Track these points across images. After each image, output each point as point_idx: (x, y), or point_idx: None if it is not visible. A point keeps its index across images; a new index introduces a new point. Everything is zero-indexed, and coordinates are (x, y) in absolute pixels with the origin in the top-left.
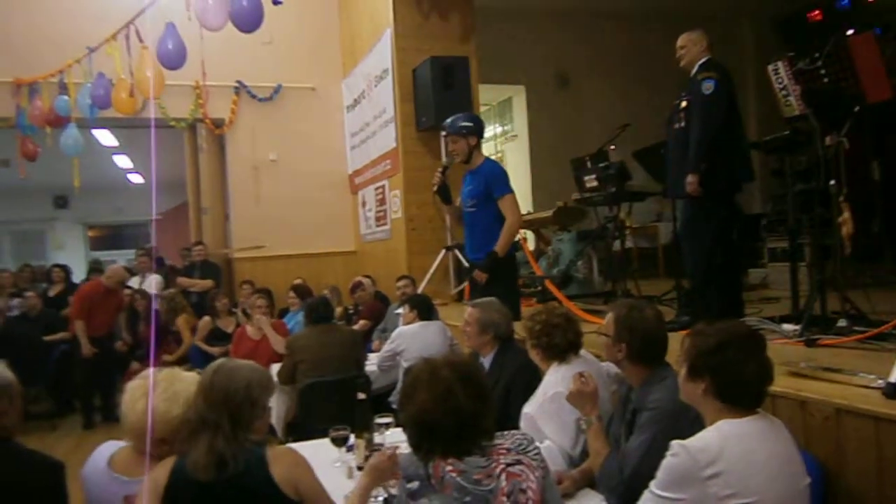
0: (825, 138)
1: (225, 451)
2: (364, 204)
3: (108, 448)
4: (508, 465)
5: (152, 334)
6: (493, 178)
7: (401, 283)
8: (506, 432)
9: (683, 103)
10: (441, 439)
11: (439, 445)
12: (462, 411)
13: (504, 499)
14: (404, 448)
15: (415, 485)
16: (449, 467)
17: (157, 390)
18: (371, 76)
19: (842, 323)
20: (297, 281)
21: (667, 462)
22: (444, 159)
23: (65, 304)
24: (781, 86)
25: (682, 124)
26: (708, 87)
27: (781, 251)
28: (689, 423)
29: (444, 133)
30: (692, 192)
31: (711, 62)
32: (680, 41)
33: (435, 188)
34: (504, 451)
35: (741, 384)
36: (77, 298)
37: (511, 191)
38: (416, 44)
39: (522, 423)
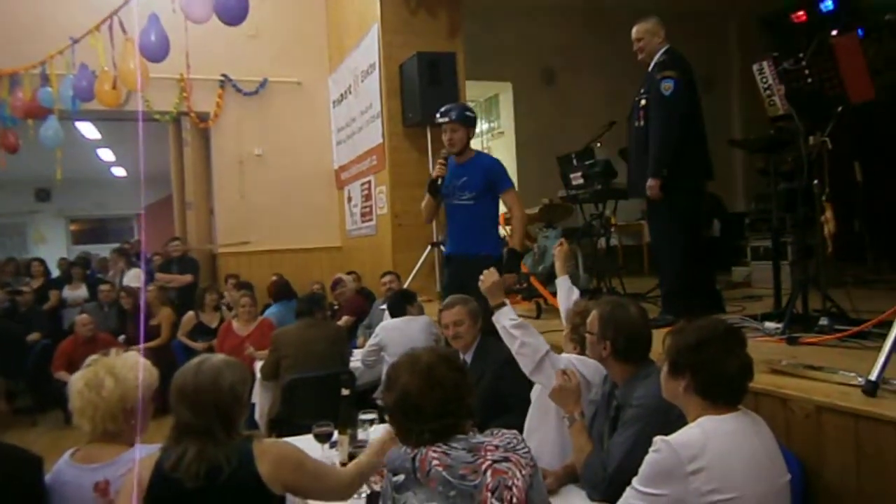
0: (808, 138)
1: (218, 456)
2: (350, 199)
3: (68, 453)
4: (495, 461)
5: (141, 320)
6: (497, 172)
7: (385, 279)
8: (495, 430)
9: (643, 101)
10: (428, 418)
11: (427, 426)
12: (446, 385)
13: (488, 494)
14: None
15: (400, 478)
16: (435, 461)
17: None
18: (358, 71)
19: (823, 321)
20: (274, 277)
21: (649, 458)
22: (443, 150)
23: (45, 298)
24: (766, 85)
25: (641, 123)
26: (667, 87)
27: (764, 250)
28: (673, 420)
29: (446, 120)
30: (653, 196)
31: (671, 55)
32: (635, 33)
33: (439, 180)
34: (492, 448)
35: (722, 380)
36: (57, 354)
37: (514, 185)
38: (403, 39)
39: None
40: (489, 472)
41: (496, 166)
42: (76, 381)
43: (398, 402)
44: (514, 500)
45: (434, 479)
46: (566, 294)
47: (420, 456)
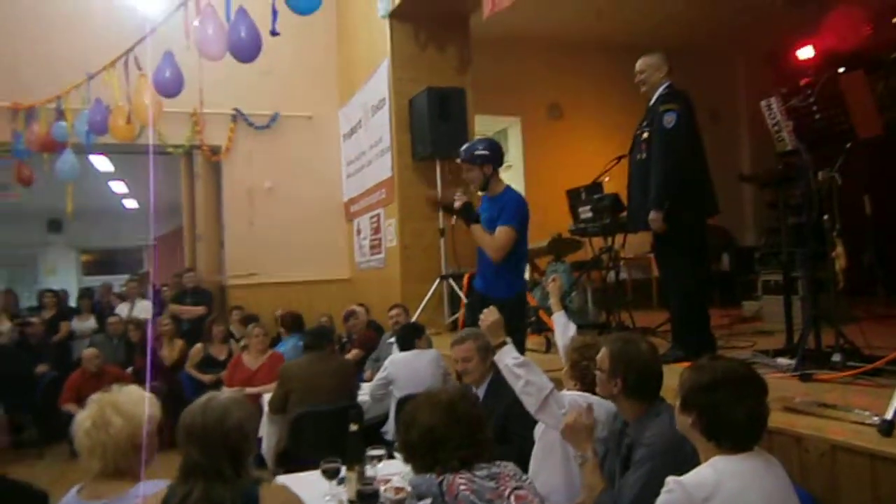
0: (818, 173)
1: (224, 498)
2: (359, 232)
3: (74, 489)
4: (515, 488)
5: (148, 354)
6: (507, 208)
7: (393, 313)
8: (499, 462)
9: (645, 134)
10: (454, 447)
11: (456, 453)
12: (468, 416)
13: None
14: (397, 480)
15: (426, 502)
16: (463, 486)
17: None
18: (368, 105)
19: (836, 358)
20: (279, 312)
21: (662, 499)
22: (455, 191)
23: (55, 329)
24: (774, 121)
25: (644, 156)
26: (669, 119)
27: (775, 284)
28: (685, 459)
29: (458, 160)
30: (657, 229)
31: (673, 90)
32: (639, 65)
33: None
34: (508, 477)
35: (727, 426)
36: (66, 387)
37: (516, 225)
38: (413, 74)
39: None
40: (513, 498)
41: (510, 203)
42: (82, 422)
43: (422, 439)
44: None
45: (462, 501)
46: (563, 330)
47: (447, 482)
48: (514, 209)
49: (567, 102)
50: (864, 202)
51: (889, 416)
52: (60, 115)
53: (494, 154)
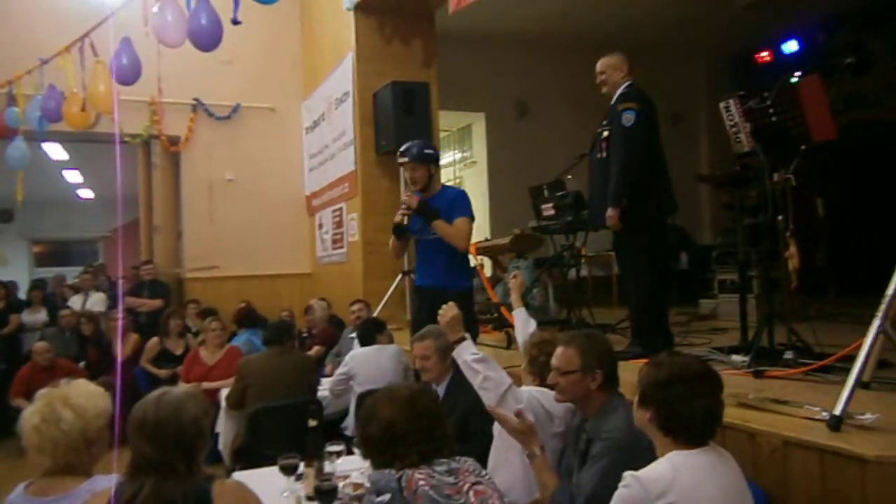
0: (773, 175)
1: (175, 495)
2: (321, 226)
3: (22, 485)
4: (474, 483)
5: (119, 346)
6: (458, 201)
7: (354, 308)
8: (459, 458)
9: (605, 133)
10: (414, 442)
11: (415, 448)
12: (429, 412)
13: None
14: (356, 476)
15: (385, 497)
16: (422, 481)
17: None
18: (331, 98)
19: (788, 355)
20: (241, 305)
21: (619, 493)
22: (403, 195)
23: (5, 321)
24: (732, 123)
25: (604, 154)
26: (628, 118)
27: (731, 283)
28: (642, 453)
29: (405, 160)
30: (612, 226)
31: (633, 89)
32: (599, 66)
33: (405, 220)
34: (467, 472)
35: (683, 421)
36: (16, 381)
37: (472, 216)
38: (378, 68)
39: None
40: (472, 493)
41: (459, 197)
42: (31, 417)
43: (382, 434)
44: None
45: (421, 496)
46: (523, 326)
47: (406, 477)
48: (465, 202)
49: (532, 100)
50: (817, 204)
51: (838, 411)
52: (12, 100)
53: (437, 152)
